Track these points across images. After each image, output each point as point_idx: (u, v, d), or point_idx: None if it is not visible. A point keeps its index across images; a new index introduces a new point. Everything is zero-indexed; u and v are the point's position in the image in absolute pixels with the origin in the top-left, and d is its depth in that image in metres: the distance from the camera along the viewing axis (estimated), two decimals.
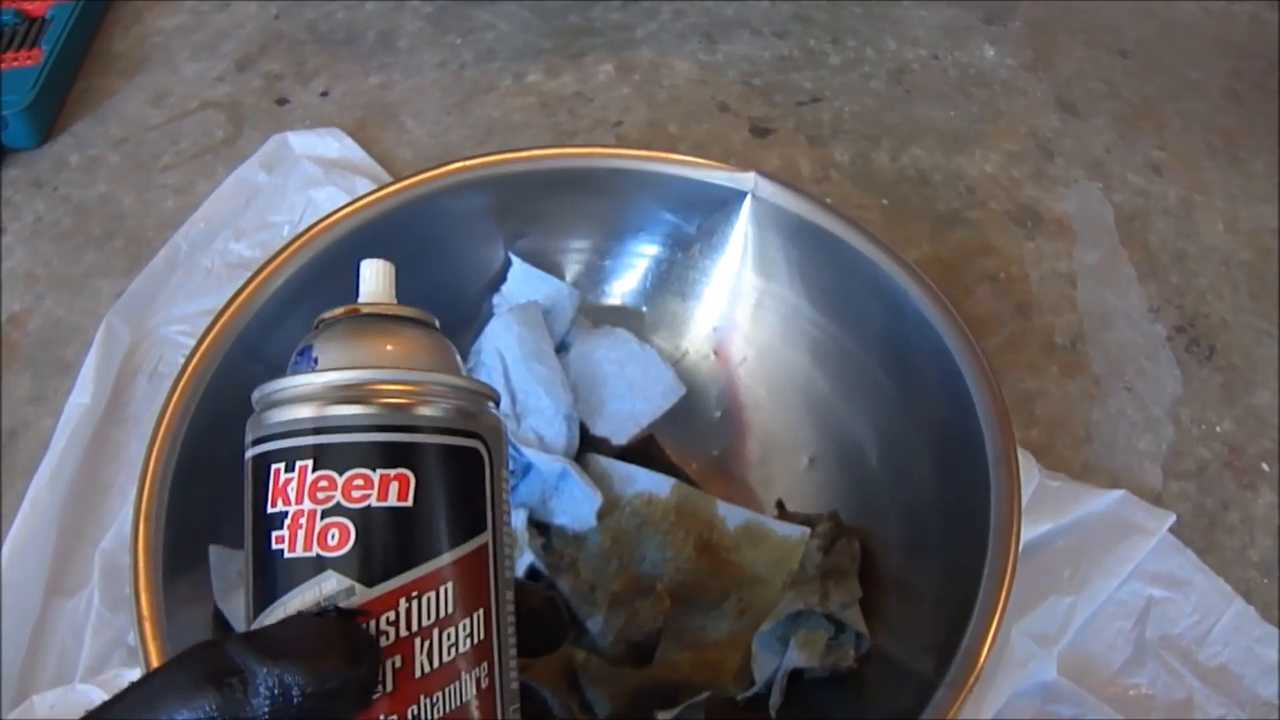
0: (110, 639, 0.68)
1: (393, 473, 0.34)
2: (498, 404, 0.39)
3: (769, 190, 0.72)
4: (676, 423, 0.75)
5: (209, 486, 0.59)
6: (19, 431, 0.78)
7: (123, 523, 0.73)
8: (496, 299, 0.75)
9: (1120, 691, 0.71)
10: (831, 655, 0.63)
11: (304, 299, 0.66)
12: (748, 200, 0.73)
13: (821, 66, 1.11)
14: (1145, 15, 1.22)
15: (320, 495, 0.33)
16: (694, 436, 0.77)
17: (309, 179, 0.91)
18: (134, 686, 0.30)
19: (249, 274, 0.65)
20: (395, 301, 0.41)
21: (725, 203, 0.73)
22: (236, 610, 0.59)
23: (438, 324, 0.41)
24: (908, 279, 0.68)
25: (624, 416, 0.73)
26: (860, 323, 0.72)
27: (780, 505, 0.74)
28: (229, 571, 0.60)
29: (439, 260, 0.73)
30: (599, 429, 0.72)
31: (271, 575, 0.34)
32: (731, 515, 0.70)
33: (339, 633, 0.32)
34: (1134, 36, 1.19)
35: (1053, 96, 1.10)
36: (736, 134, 1.03)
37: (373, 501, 0.33)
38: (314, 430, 0.34)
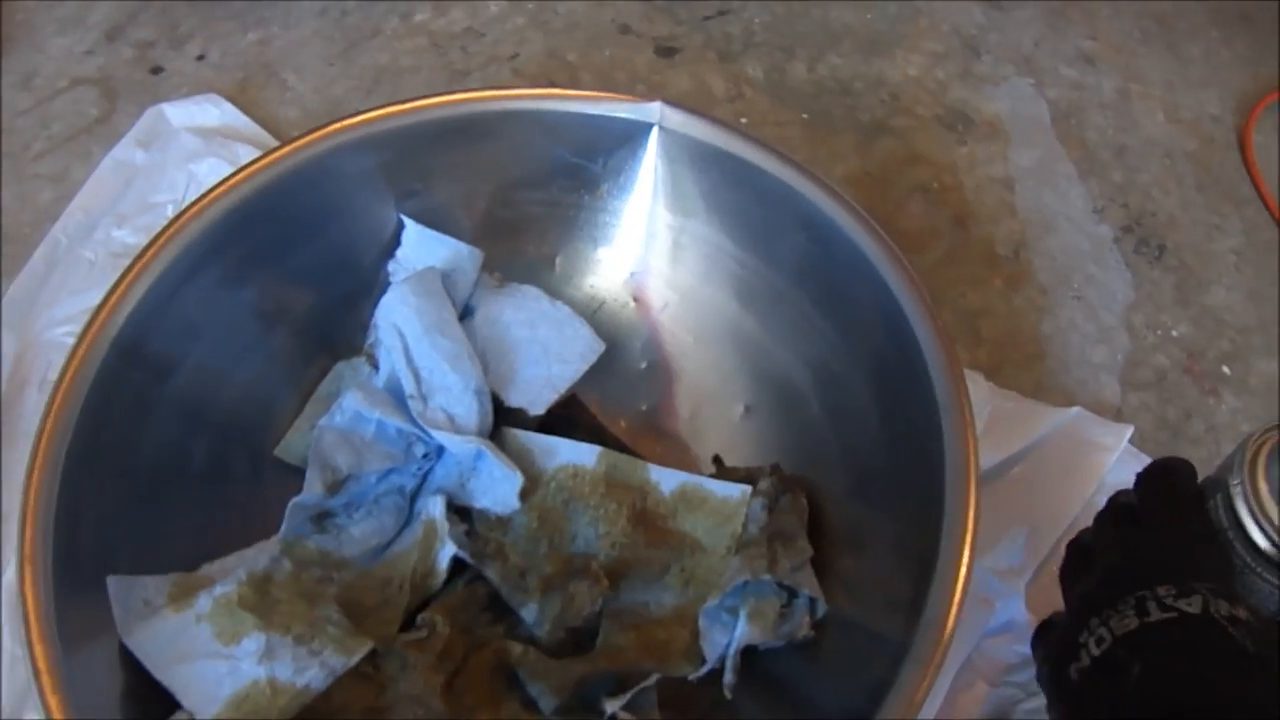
0: (27, 677, 0.62)
1: None
2: None
3: (677, 120, 0.68)
4: (599, 377, 0.71)
5: (98, 509, 0.57)
6: None
7: None
8: (392, 265, 0.70)
9: None
10: (786, 625, 0.59)
11: (184, 289, 0.63)
12: (654, 132, 0.69)
13: None
14: None
15: None
16: (619, 391, 0.73)
17: (189, 152, 0.85)
18: None
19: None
20: None
21: (630, 137, 0.69)
22: (144, 643, 0.56)
23: None
24: (833, 204, 0.64)
25: (540, 383, 0.68)
26: (787, 256, 0.68)
27: (718, 460, 0.69)
28: (132, 601, 0.57)
29: (330, 228, 0.69)
30: (513, 399, 0.67)
31: None
32: (665, 479, 0.65)
33: None
34: None
35: None
36: (640, 56, 0.97)
37: None
38: None
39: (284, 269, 0.68)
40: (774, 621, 0.59)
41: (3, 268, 0.83)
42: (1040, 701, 0.58)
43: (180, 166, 0.85)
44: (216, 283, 0.65)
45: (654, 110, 0.68)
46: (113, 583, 0.56)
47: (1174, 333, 0.82)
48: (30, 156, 0.90)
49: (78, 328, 0.74)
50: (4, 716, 0.63)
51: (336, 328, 0.70)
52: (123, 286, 0.61)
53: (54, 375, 0.73)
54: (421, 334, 0.64)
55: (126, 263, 0.63)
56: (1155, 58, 1.01)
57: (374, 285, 0.70)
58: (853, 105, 0.95)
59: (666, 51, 0.97)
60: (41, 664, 0.50)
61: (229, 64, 0.96)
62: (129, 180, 0.86)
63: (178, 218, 0.63)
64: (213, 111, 0.90)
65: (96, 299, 0.68)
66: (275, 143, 0.87)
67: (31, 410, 0.74)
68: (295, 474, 0.66)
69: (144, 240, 0.78)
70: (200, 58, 0.97)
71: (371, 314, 0.69)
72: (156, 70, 0.96)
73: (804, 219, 0.65)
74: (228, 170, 0.80)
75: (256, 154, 0.82)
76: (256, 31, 0.99)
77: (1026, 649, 0.66)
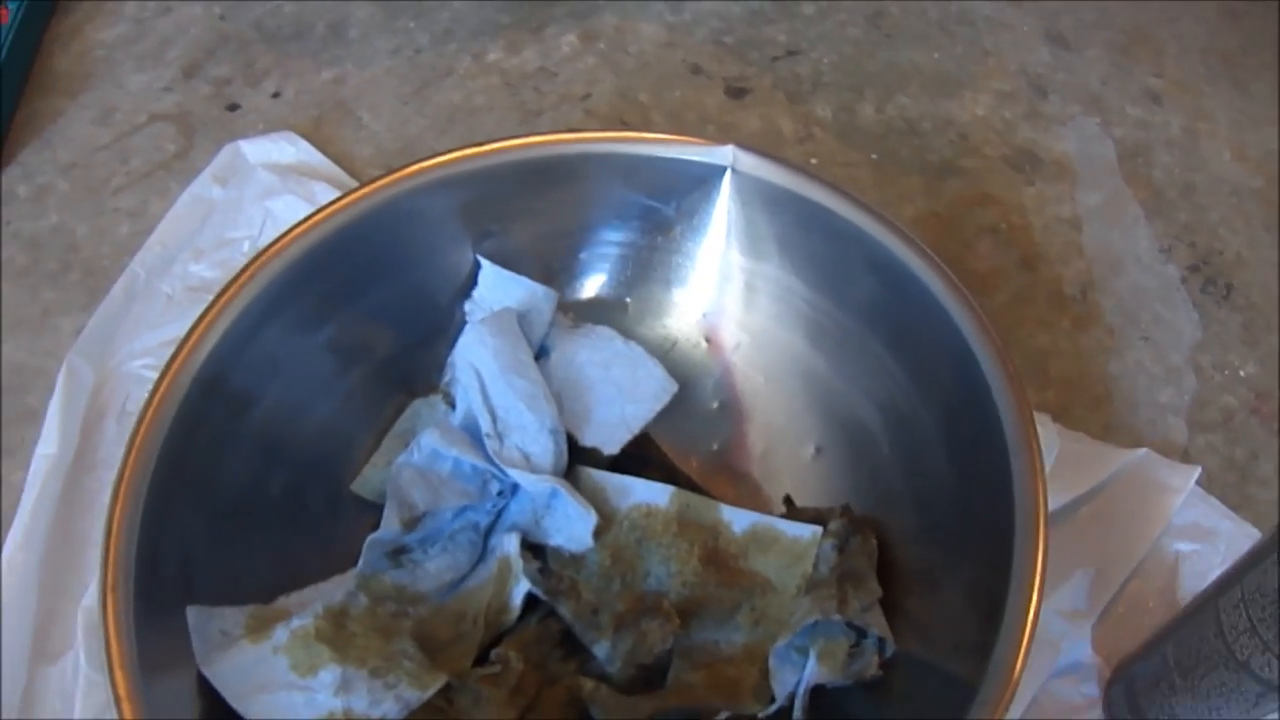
0: (102, 702, 0.64)
1: None
2: None
3: (750, 163, 0.68)
4: (672, 417, 0.71)
5: (178, 540, 0.58)
6: None
7: None
8: (468, 305, 0.71)
9: None
10: (855, 664, 0.59)
11: (265, 326, 0.64)
12: (727, 176, 0.69)
13: (795, 17, 1.05)
14: None
15: None
16: (691, 430, 0.73)
17: (266, 189, 0.86)
18: None
19: (210, 297, 0.62)
20: None
21: (704, 180, 0.70)
22: (222, 674, 0.56)
23: None
24: (904, 248, 0.64)
25: (614, 423, 0.68)
26: (858, 299, 0.68)
27: (788, 500, 0.70)
28: (210, 631, 0.57)
29: (408, 268, 0.69)
30: (588, 439, 0.68)
31: None
32: (737, 519, 0.66)
33: None
34: None
35: (1041, 29, 1.05)
36: (711, 97, 0.98)
37: None
38: None
39: (362, 308, 0.68)
40: (843, 661, 0.59)
41: (81, 300, 0.84)
42: None
43: (257, 203, 0.86)
44: (296, 320, 0.65)
45: (727, 154, 0.68)
46: (191, 613, 0.57)
47: (1241, 373, 0.82)
48: (110, 191, 0.92)
49: (155, 360, 0.76)
50: None
51: (413, 366, 0.71)
52: (205, 322, 0.61)
53: (132, 406, 0.76)
54: (498, 374, 0.65)
55: (203, 297, 0.63)
56: (1222, 96, 1.01)
57: (450, 325, 0.71)
58: (921, 146, 0.95)
59: (737, 92, 0.98)
60: (122, 691, 0.50)
61: (304, 102, 0.98)
62: (206, 216, 0.87)
63: (259, 255, 0.63)
64: (288, 149, 0.91)
65: (174, 333, 0.70)
66: (351, 180, 0.89)
67: (110, 440, 0.75)
68: (370, 509, 0.66)
69: (221, 275, 0.80)
70: (276, 95, 0.99)
71: (448, 353, 0.70)
72: (233, 107, 0.98)
73: (876, 262, 0.65)
74: (304, 207, 0.81)
75: (332, 191, 0.84)
76: (331, 70, 1.00)
77: (1093, 689, 0.66)
